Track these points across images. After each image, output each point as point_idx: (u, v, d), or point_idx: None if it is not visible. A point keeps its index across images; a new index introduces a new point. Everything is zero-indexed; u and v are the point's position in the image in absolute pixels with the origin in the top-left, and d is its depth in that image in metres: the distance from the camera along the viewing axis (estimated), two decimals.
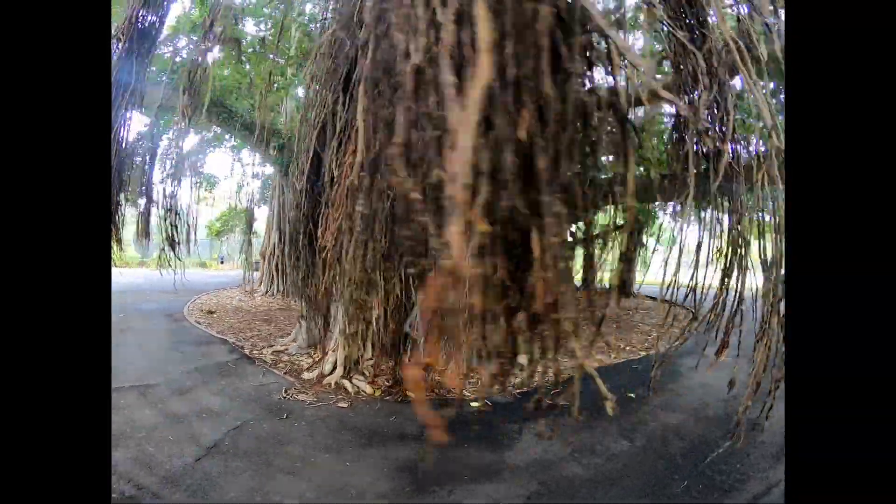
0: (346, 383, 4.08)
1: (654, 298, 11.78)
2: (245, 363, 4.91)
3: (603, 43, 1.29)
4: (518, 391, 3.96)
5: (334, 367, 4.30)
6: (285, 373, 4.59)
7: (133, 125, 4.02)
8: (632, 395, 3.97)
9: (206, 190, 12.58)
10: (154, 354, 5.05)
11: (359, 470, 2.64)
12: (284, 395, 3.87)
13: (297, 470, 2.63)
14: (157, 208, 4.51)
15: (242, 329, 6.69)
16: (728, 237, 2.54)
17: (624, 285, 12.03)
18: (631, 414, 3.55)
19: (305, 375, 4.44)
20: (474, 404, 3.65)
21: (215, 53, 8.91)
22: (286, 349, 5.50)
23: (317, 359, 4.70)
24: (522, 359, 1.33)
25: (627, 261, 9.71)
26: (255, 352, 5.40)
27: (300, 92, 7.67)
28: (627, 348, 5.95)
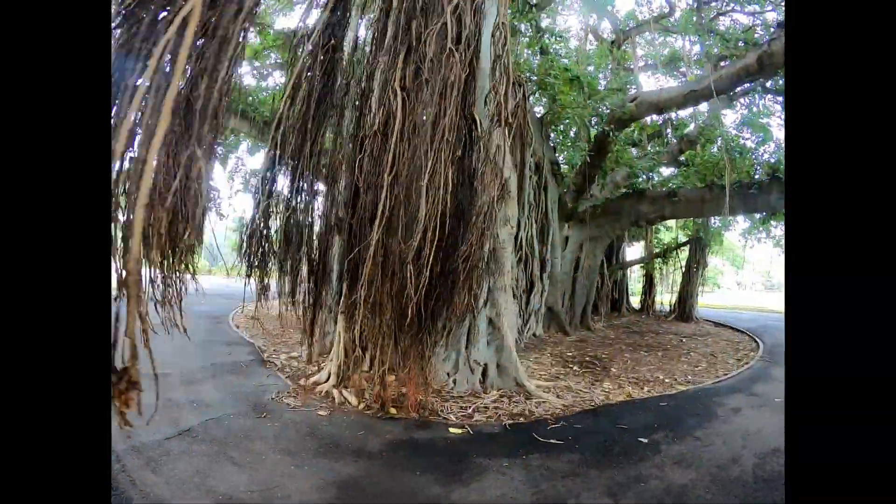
0: (335, 393, 4.11)
1: (717, 324, 10.46)
2: (258, 365, 5.15)
3: None
4: (511, 421, 3.67)
5: (329, 377, 4.37)
6: (288, 377, 4.74)
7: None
8: (643, 440, 3.27)
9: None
10: (183, 349, 5.47)
11: (299, 475, 2.60)
12: (273, 398, 4.01)
13: (244, 463, 2.69)
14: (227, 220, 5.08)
15: (275, 335, 7.10)
16: None
17: (684, 309, 10.80)
18: (633, 465, 2.84)
19: (303, 382, 4.57)
20: (453, 430, 3.44)
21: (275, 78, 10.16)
22: (300, 356, 5.74)
23: (321, 367, 4.83)
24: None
25: (687, 283, 8.86)
26: (272, 356, 5.70)
27: None
28: (666, 380, 5.22)
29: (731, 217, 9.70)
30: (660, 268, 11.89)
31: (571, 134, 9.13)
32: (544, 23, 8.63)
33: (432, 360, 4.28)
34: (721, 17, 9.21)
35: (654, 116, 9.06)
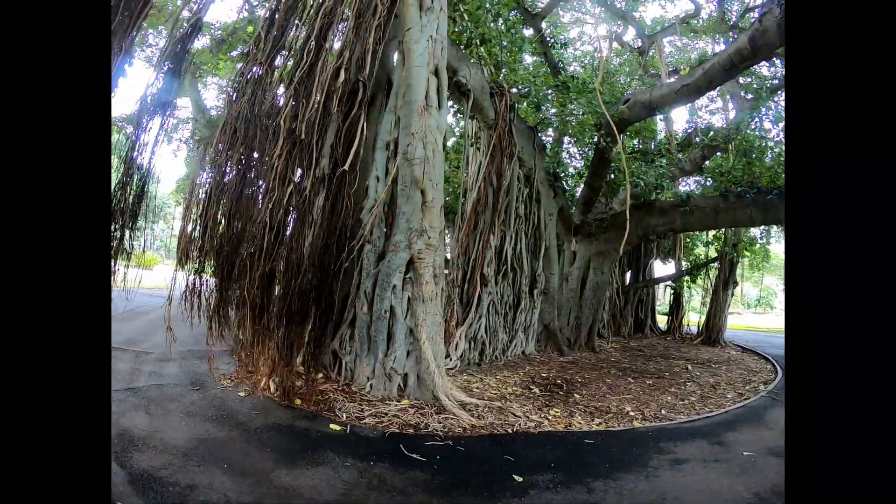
0: (265, 381, 4.38)
1: (744, 349, 8.96)
2: (228, 355, 5.58)
3: None
4: (397, 431, 3.47)
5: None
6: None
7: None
8: (518, 477, 2.79)
9: None
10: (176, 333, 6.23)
11: (182, 428, 3.21)
12: (216, 379, 4.40)
13: (153, 414, 3.41)
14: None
15: None
16: None
17: (710, 332, 9.43)
18: (461, 498, 2.51)
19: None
20: (333, 427, 3.49)
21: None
22: None
23: None
24: None
25: (715, 303, 8.03)
26: None
27: None
28: (631, 413, 4.60)
29: (761, 228, 8.32)
30: (688, 286, 10.52)
31: (566, 143, 8.67)
32: (548, 31, 8.43)
33: (345, 362, 4.40)
34: (749, 14, 8.15)
35: (685, 124, 8.28)
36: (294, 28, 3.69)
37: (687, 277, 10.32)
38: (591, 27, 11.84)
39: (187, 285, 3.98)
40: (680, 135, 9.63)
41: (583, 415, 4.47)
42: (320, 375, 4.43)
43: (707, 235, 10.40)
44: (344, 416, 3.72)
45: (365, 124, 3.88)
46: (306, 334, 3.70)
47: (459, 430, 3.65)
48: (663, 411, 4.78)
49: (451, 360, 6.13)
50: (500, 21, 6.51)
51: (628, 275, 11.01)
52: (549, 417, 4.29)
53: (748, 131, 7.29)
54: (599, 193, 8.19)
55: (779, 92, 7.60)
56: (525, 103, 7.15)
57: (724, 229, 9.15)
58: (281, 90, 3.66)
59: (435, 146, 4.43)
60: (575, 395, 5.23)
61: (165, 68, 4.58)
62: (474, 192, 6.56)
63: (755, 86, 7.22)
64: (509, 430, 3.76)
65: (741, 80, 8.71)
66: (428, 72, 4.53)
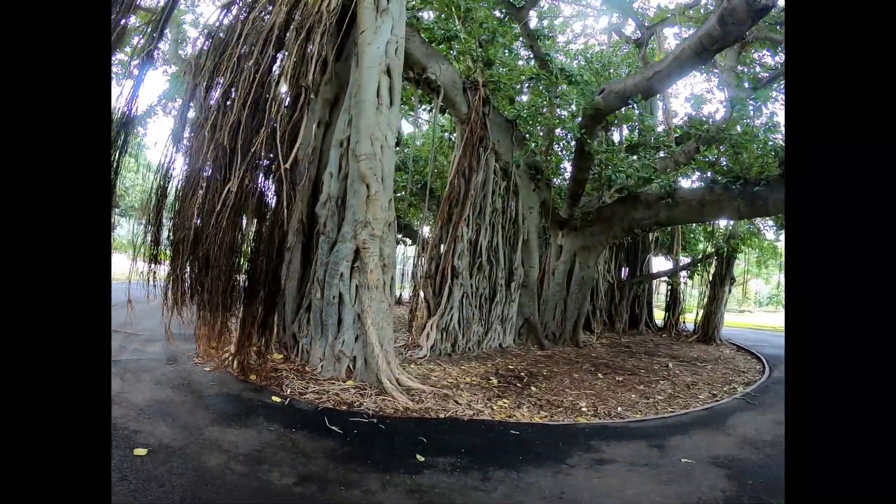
0: (228, 356, 4.79)
1: (739, 348, 8.63)
2: None
3: None
4: (331, 406, 3.75)
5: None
6: None
7: None
8: (420, 457, 2.93)
9: None
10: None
11: (143, 391, 3.72)
12: (189, 356, 4.88)
13: (125, 380, 3.91)
14: None
15: None
16: None
17: (707, 329, 9.12)
18: (353, 468, 2.69)
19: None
20: (275, 398, 3.84)
21: None
22: None
23: None
24: None
25: (712, 300, 8.00)
26: None
27: None
28: (584, 409, 4.60)
29: (744, 221, 7.95)
30: (684, 282, 10.16)
31: (541, 136, 8.62)
32: (533, 23, 8.44)
33: (301, 345, 4.75)
34: None
35: (685, 117, 8.06)
36: (239, 42, 4.03)
37: (684, 273, 10.02)
38: (593, 19, 11.62)
39: (149, 272, 4.40)
40: (681, 127, 9.35)
41: (530, 407, 4.52)
42: (280, 356, 4.81)
43: (711, 227, 10.03)
44: (288, 391, 4.06)
45: (305, 126, 4.17)
46: (257, 316, 4.05)
47: (391, 412, 3.89)
48: (619, 409, 4.71)
49: (421, 349, 6.38)
50: (472, 17, 6.62)
51: (625, 270, 10.79)
52: (494, 407, 4.41)
53: (745, 122, 7.00)
54: (584, 186, 8.14)
55: (778, 80, 7.25)
56: (500, 97, 7.21)
57: (726, 223, 8.83)
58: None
59: (384, 142, 4.68)
60: (532, 387, 5.31)
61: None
62: (448, 185, 6.74)
63: (749, 81, 6.92)
64: (441, 416, 3.95)
65: (740, 68, 8.37)
66: (379, 72, 4.77)
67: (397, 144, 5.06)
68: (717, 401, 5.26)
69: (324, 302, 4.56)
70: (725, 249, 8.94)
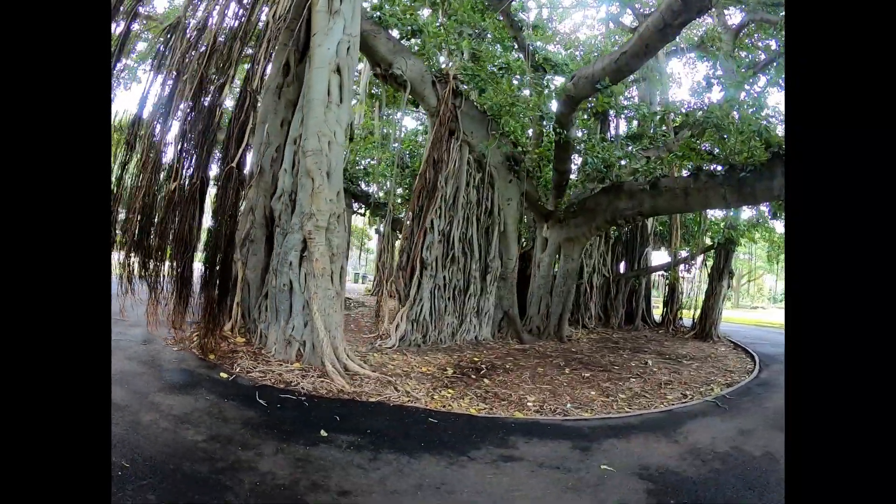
0: (196, 337, 5.37)
1: (736, 345, 8.35)
2: None
3: None
4: (270, 384, 4.19)
5: None
6: None
7: None
8: (324, 433, 3.22)
9: None
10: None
11: (113, 365, 4.19)
12: (164, 337, 5.58)
13: None
14: None
15: None
16: None
17: (704, 325, 8.86)
18: (263, 437, 3.08)
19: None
20: (222, 374, 4.37)
21: None
22: None
23: None
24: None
25: (710, 294, 8.19)
26: None
27: None
28: (529, 405, 4.62)
29: (733, 209, 7.63)
30: (682, 276, 9.84)
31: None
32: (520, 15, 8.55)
33: (260, 329, 5.28)
34: None
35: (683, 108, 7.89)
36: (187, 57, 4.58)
37: (682, 267, 9.74)
38: (593, 9, 11.48)
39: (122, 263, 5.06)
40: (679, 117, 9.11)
41: (473, 399, 4.71)
42: (242, 340, 5.38)
43: (700, 218, 9.70)
44: (238, 369, 4.60)
45: (250, 128, 4.67)
46: (213, 301, 4.61)
47: (324, 392, 4.31)
48: (569, 405, 4.72)
49: (390, 339, 6.79)
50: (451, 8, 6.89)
51: (624, 264, 10.64)
52: (435, 397, 4.67)
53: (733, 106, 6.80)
54: (567, 177, 8.18)
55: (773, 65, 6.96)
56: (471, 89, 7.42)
57: (726, 212, 8.51)
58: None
59: (332, 139, 5.10)
60: (486, 380, 5.49)
61: None
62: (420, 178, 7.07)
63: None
64: (370, 400, 4.30)
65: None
66: (329, 71, 5.18)
67: (352, 139, 5.45)
68: (685, 402, 5.16)
69: (276, 289, 5.06)
70: (719, 241, 8.64)
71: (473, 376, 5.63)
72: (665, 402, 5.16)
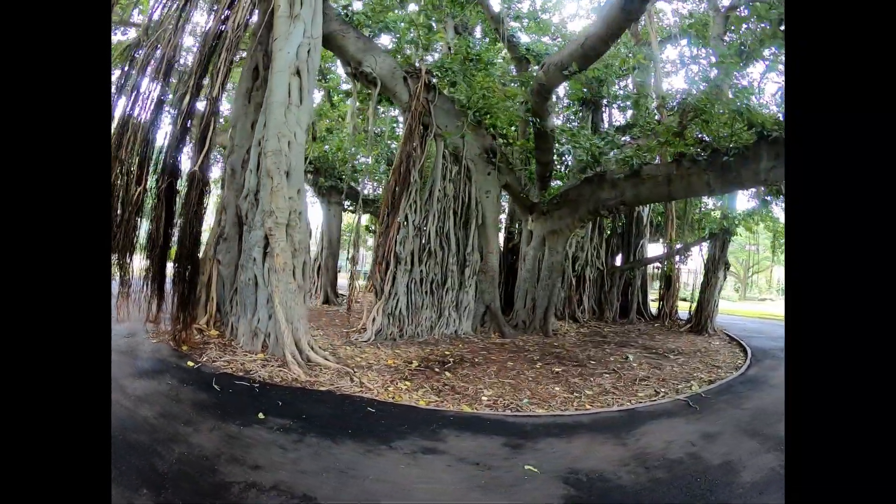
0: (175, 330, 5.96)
1: (731, 339, 8.27)
2: None
3: None
4: (230, 372, 4.69)
5: None
6: None
7: None
8: (261, 415, 3.59)
9: None
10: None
11: None
12: (148, 330, 6.23)
13: None
14: None
15: None
16: None
17: (700, 318, 8.78)
18: (204, 416, 3.55)
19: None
20: (189, 363, 4.90)
21: None
22: None
23: None
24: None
25: (706, 286, 8.55)
26: None
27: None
28: (483, 399, 4.80)
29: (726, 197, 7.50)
30: (678, 268, 9.72)
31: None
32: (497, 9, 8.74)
33: (231, 321, 5.82)
34: None
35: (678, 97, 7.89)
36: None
37: (678, 258, 9.62)
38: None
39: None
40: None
41: (428, 391, 4.96)
42: (216, 332, 5.93)
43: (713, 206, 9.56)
44: (205, 359, 5.13)
45: (211, 133, 5.16)
46: (184, 295, 5.17)
47: (278, 380, 4.76)
48: (525, 401, 4.82)
49: (366, 332, 7.21)
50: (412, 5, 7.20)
51: (620, 257, 10.63)
52: (390, 388, 4.97)
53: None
54: (550, 168, 8.32)
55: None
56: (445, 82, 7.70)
57: (719, 201, 8.39)
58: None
59: (292, 139, 5.54)
60: (448, 373, 5.69)
61: None
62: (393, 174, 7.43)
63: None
64: (320, 389, 4.70)
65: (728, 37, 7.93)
66: (289, 74, 5.62)
67: (314, 139, 5.87)
68: (654, 401, 5.11)
69: (243, 284, 5.57)
70: (713, 230, 8.52)
71: (437, 369, 5.91)
72: (633, 399, 5.15)
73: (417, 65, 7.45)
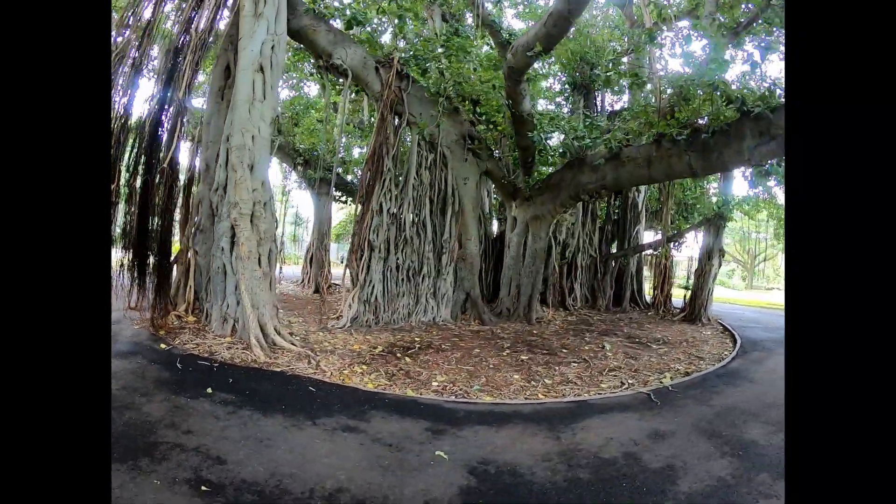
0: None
1: (725, 329, 8.25)
2: None
3: None
4: (196, 354, 5.38)
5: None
6: None
7: None
8: (209, 390, 4.10)
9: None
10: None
11: None
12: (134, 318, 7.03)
13: None
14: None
15: None
16: None
17: (693, 307, 8.76)
18: (162, 392, 4.01)
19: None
20: (162, 346, 5.58)
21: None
22: None
23: None
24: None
25: (699, 274, 9.10)
26: None
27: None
28: (442, 384, 5.11)
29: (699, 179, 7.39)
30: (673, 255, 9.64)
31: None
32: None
33: (205, 308, 6.47)
34: None
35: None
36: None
37: (673, 245, 9.53)
38: None
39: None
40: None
41: (380, 375, 5.32)
42: (193, 318, 6.62)
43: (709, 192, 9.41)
44: (177, 342, 5.80)
45: (178, 132, 5.74)
46: (159, 283, 5.84)
47: (238, 362, 5.35)
48: (475, 388, 5.02)
49: (342, 319, 7.75)
50: None
51: (615, 244, 10.64)
52: (346, 371, 5.44)
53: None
54: (532, 153, 8.48)
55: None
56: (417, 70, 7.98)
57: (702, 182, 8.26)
58: None
59: (255, 133, 6.05)
60: (407, 359, 6.08)
61: None
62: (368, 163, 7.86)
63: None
64: (274, 370, 5.21)
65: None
66: (253, 71, 6.12)
67: (279, 132, 6.37)
68: (614, 392, 5.15)
69: (214, 272, 6.19)
70: (706, 216, 8.42)
71: (399, 355, 6.31)
72: (593, 391, 5.19)
73: (389, 54, 7.78)
